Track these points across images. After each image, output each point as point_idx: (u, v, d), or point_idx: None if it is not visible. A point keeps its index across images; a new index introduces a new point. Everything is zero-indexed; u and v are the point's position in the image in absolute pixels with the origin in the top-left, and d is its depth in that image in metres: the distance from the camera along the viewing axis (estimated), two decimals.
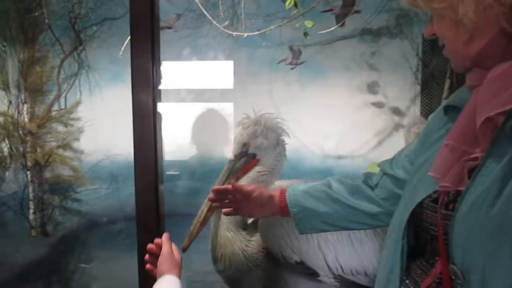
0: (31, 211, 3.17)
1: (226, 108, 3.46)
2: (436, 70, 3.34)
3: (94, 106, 3.43)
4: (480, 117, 0.65)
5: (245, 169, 1.49)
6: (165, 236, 1.17)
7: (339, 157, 3.52)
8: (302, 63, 3.35)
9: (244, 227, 1.50)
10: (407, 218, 0.80)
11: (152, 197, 1.25)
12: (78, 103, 3.38)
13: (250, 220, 1.56)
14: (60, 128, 3.34)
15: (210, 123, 3.49)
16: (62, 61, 3.32)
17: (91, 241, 3.30)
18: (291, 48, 3.33)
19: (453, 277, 0.67)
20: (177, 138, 3.26)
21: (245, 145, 1.45)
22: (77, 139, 3.42)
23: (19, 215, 3.13)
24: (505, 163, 0.62)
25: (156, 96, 1.26)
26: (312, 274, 1.41)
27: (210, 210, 1.45)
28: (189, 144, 3.37)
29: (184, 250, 1.48)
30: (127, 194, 3.48)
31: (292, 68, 3.36)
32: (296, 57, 3.36)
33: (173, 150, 3.22)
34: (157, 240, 1.16)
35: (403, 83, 3.40)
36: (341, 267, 1.38)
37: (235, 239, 1.47)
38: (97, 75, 3.47)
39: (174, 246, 1.16)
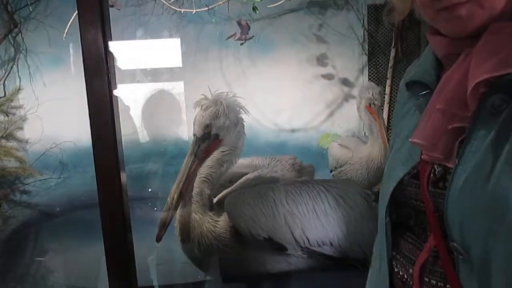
0: None
1: (176, 87, 3.40)
2: (382, 40, 3.43)
3: (36, 92, 3.25)
4: (471, 82, 0.64)
5: (209, 150, 1.48)
6: None
7: (293, 130, 3.58)
8: (251, 38, 3.31)
9: (211, 208, 1.51)
10: (389, 197, 0.79)
11: (115, 184, 1.22)
12: (18, 90, 3.18)
13: (215, 200, 1.56)
14: (1, 117, 3.14)
15: (161, 104, 3.42)
16: None
17: (44, 233, 3.18)
18: (239, 23, 3.28)
19: (454, 253, 0.67)
20: (127, 121, 3.16)
21: (207, 126, 1.44)
22: (21, 128, 3.24)
23: None
24: (491, 140, 0.63)
25: (111, 78, 1.21)
26: (280, 249, 1.44)
27: (181, 195, 1.44)
28: (140, 126, 3.29)
29: (158, 240, 1.47)
30: (78, 182, 3.36)
31: (241, 44, 3.32)
32: (245, 32, 3.32)
33: (124, 133, 3.13)
34: None
35: (351, 54, 3.47)
36: (308, 239, 1.42)
37: (203, 220, 1.47)
38: (37, 59, 3.28)
39: None
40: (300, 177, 1.75)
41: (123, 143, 1.39)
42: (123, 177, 1.27)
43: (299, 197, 1.42)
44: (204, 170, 1.48)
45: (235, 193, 1.49)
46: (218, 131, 1.46)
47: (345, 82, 3.53)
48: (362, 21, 3.38)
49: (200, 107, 1.46)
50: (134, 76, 3.33)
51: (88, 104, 1.24)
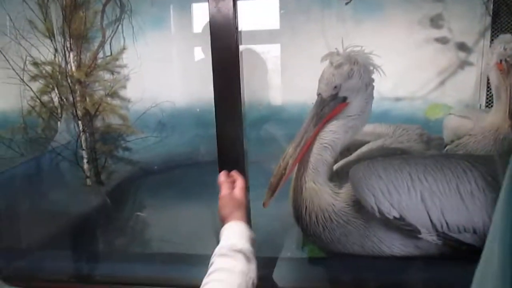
0: (85, 160, 3.15)
1: (272, 50, 3.28)
2: None
3: (139, 52, 3.30)
4: None
5: (332, 114, 1.33)
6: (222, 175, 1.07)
7: (397, 99, 3.31)
8: None
9: (331, 177, 1.36)
10: None
11: (236, 145, 1.13)
12: (123, 49, 3.26)
13: (335, 167, 1.42)
14: (107, 76, 3.24)
15: (256, 67, 3.33)
16: (104, 5, 3.16)
17: (143, 189, 3.31)
18: None
19: None
20: None
21: (336, 87, 1.28)
22: (124, 87, 3.32)
23: (74, 164, 3.13)
24: None
25: (238, 37, 1.11)
26: (411, 231, 1.26)
27: (295, 160, 1.31)
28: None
29: (265, 205, 1.36)
30: (176, 142, 3.43)
31: (346, 3, 3.08)
32: None
33: None
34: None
35: (471, 15, 3.08)
36: (447, 223, 1.23)
37: (322, 191, 1.34)
38: (140, 19, 3.31)
39: (239, 183, 1.06)
40: (428, 150, 1.55)
41: None
42: (244, 139, 1.18)
43: (440, 174, 1.22)
44: (326, 135, 1.34)
45: (363, 163, 1.33)
46: (347, 93, 1.29)
47: (461, 47, 3.16)
48: None
49: (330, 63, 1.29)
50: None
51: (213, 64, 1.15)
